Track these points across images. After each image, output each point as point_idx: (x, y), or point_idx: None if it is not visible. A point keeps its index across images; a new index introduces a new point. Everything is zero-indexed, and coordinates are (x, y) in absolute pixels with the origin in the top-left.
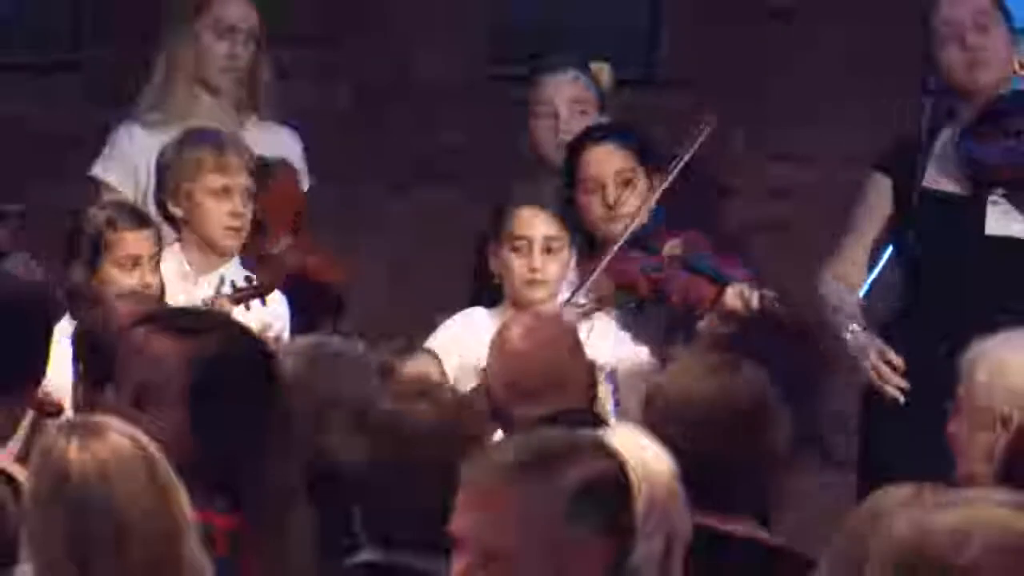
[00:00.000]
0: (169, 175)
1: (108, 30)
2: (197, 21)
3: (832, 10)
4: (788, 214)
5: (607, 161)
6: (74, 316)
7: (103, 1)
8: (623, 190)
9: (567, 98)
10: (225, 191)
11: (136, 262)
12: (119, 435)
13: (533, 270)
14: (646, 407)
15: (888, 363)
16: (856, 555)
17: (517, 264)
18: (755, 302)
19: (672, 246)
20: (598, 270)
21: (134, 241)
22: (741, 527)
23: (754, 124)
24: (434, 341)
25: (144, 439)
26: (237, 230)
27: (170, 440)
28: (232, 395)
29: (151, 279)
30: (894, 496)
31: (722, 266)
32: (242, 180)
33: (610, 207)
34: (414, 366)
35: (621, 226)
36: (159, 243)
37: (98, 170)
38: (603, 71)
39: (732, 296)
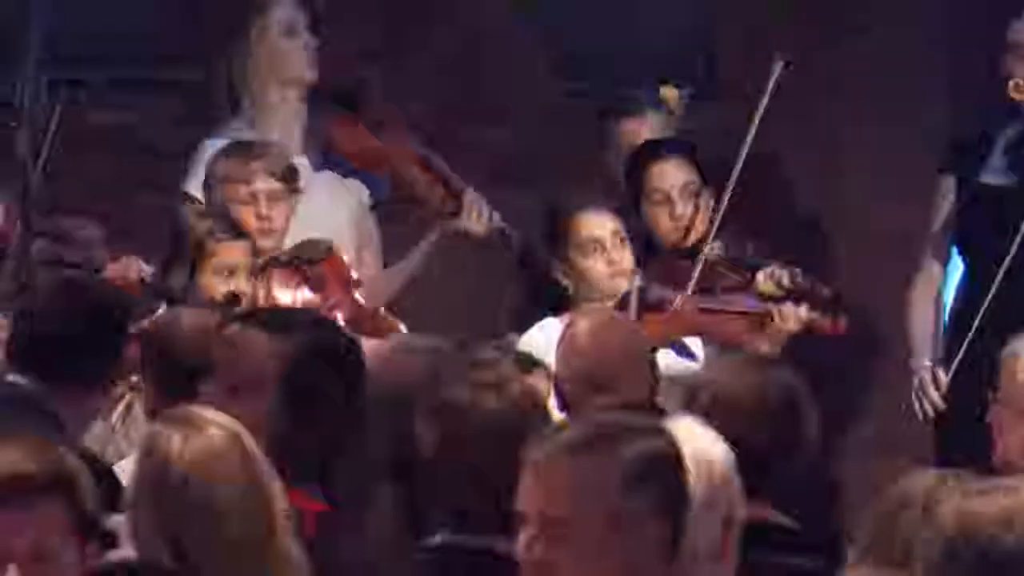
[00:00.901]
0: (209, 191)
1: (204, 50)
2: (261, 25)
3: (875, 19)
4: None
5: (673, 175)
6: None
7: (201, 23)
8: (688, 202)
9: (645, 138)
10: (251, 196)
11: (232, 271)
12: (217, 428)
13: (612, 263)
14: (690, 401)
15: (935, 383)
16: (884, 535)
17: (595, 265)
18: (786, 281)
19: (712, 247)
20: (696, 274)
21: (231, 251)
22: (770, 513)
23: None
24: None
25: (239, 430)
26: (268, 232)
27: (261, 430)
28: (320, 387)
29: (246, 287)
30: (921, 480)
31: (755, 256)
32: (261, 184)
33: (677, 219)
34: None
35: (694, 236)
36: (254, 253)
37: (190, 186)
38: (673, 94)
39: (763, 279)
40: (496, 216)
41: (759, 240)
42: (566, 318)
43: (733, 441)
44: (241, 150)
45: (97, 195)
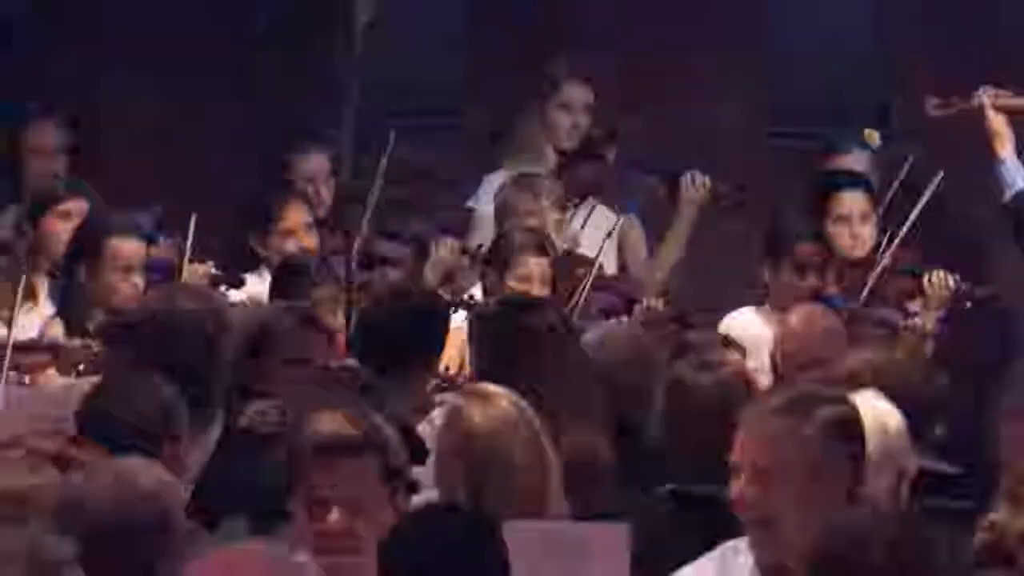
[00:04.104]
0: (503, 218)
1: (486, 96)
2: (549, 99)
3: None
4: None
5: (855, 203)
6: None
7: (486, 72)
8: (864, 224)
9: (859, 170)
10: (542, 226)
11: (528, 279)
12: (505, 399)
13: (813, 287)
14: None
15: None
16: (1017, 486)
17: (800, 282)
18: (951, 285)
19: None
20: (869, 286)
21: (531, 263)
22: (944, 466)
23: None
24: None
25: (518, 399)
26: None
27: None
28: (525, 363)
29: (539, 292)
30: None
31: (921, 264)
32: (548, 216)
33: (854, 237)
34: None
35: (862, 252)
36: (554, 266)
37: (471, 203)
38: (873, 136)
39: (929, 285)
40: (707, 180)
41: (927, 249)
42: (762, 315)
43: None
44: (530, 186)
45: (401, 220)
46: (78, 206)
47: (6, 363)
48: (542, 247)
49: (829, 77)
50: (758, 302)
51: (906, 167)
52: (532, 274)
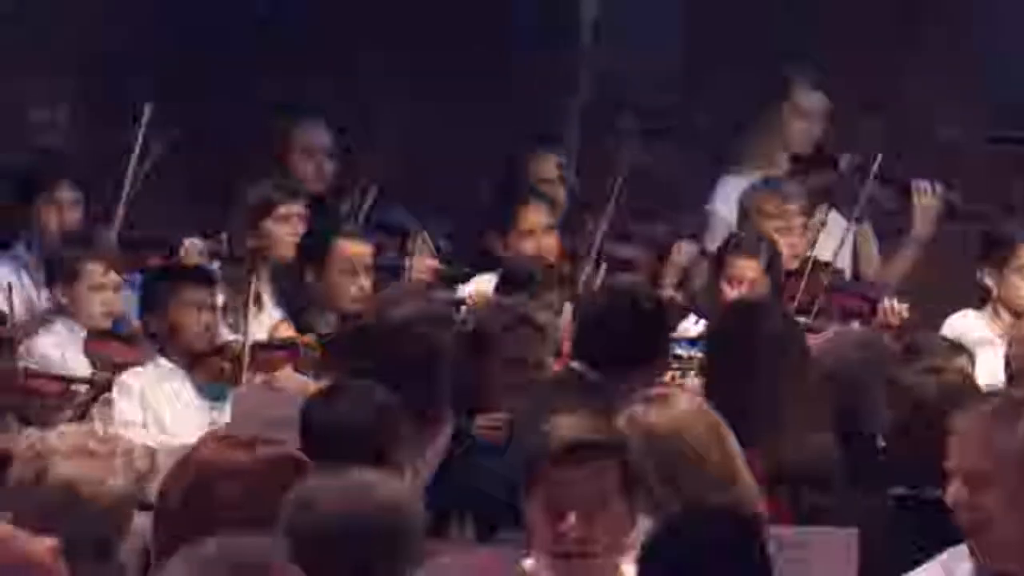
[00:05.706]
0: (745, 217)
1: (710, 96)
2: (784, 106)
3: None
4: None
5: None
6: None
7: (709, 77)
8: None
9: None
10: (787, 229)
11: (736, 280)
12: (684, 400)
13: None
14: None
15: None
16: None
17: (1020, 283)
18: None
19: None
20: None
21: (743, 266)
22: None
23: None
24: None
25: (700, 400)
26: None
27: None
28: (749, 365)
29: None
30: None
31: None
32: (793, 221)
33: None
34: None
35: None
36: (772, 270)
37: (709, 205)
38: None
39: None
40: (940, 188)
41: None
42: (983, 319)
43: None
44: (778, 189)
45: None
46: (296, 209)
47: (245, 365)
48: (754, 249)
49: None
50: (978, 305)
51: None
52: (740, 275)
